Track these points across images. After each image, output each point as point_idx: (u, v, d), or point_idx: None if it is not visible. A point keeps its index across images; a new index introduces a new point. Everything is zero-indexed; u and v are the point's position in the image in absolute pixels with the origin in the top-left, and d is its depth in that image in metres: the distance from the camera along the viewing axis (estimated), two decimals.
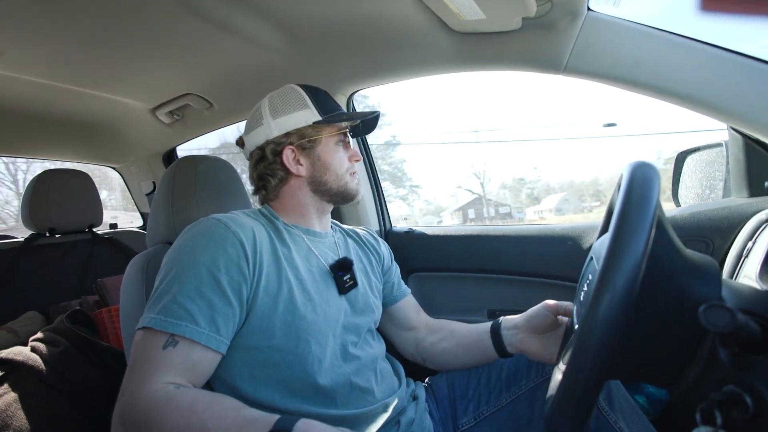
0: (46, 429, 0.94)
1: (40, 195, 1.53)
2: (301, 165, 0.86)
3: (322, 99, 0.88)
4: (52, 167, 1.63)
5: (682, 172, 1.22)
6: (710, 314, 0.40)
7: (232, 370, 0.71)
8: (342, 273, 0.86)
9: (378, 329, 1.01)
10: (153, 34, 1.04)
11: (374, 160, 1.47)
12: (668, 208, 1.14)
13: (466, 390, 0.94)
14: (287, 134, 0.85)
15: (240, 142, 0.94)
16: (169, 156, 1.93)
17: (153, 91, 1.41)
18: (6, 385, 0.98)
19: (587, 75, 0.92)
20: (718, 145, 1.09)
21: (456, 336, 0.98)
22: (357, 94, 1.36)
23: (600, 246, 0.79)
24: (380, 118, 0.97)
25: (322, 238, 0.90)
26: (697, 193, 1.17)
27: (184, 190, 0.98)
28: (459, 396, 0.94)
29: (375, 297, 0.95)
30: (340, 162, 0.88)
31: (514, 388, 0.90)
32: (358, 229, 1.06)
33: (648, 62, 0.85)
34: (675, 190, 1.22)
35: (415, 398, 0.91)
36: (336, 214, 1.45)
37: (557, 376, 0.62)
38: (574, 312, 0.64)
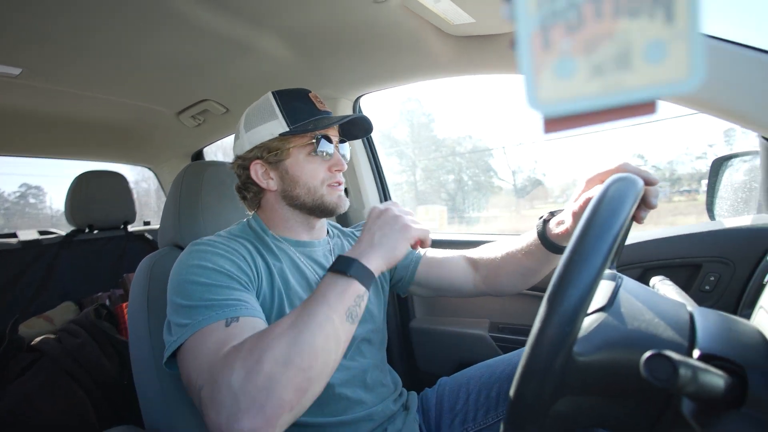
0: (64, 416, 1.03)
1: (80, 194, 1.67)
2: (272, 179, 0.82)
3: (295, 106, 0.81)
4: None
5: (719, 181, 1.10)
6: (653, 366, 0.35)
7: None
8: None
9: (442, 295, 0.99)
10: (171, 47, 1.10)
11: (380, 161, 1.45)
12: (702, 220, 1.03)
13: (454, 404, 0.92)
14: (255, 148, 0.82)
15: None
16: (197, 157, 2.04)
17: (175, 98, 1.48)
18: (31, 372, 1.08)
19: None
20: (757, 153, 0.96)
21: (514, 266, 0.88)
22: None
23: None
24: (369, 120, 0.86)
25: (313, 247, 0.87)
26: (731, 205, 1.04)
27: (190, 196, 1.02)
28: (446, 409, 0.92)
29: (373, 304, 0.90)
30: (312, 174, 0.81)
31: (502, 408, 0.86)
32: (357, 230, 1.02)
33: None
34: (710, 202, 1.10)
35: (406, 408, 0.90)
36: (343, 218, 1.45)
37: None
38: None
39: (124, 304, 1.35)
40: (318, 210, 0.83)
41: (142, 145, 1.96)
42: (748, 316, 0.51)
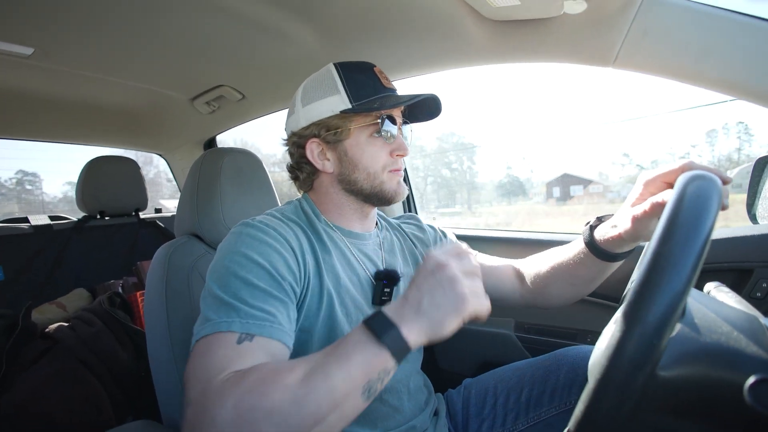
0: (78, 405, 1.01)
1: (91, 179, 1.64)
2: (328, 160, 0.77)
3: (359, 80, 0.74)
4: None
5: (763, 182, 1.03)
6: (760, 391, 0.31)
7: None
8: (387, 282, 0.77)
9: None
10: (187, 29, 1.06)
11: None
12: (744, 225, 0.98)
13: (481, 408, 0.89)
14: (312, 125, 0.75)
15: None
16: (210, 144, 1.99)
17: (189, 83, 1.44)
18: (45, 360, 1.06)
19: (642, 68, 0.78)
20: None
21: (563, 276, 0.83)
22: None
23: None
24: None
25: (365, 240, 0.82)
26: None
27: (208, 184, 0.99)
28: (474, 414, 0.90)
29: None
30: (373, 158, 0.75)
31: (533, 413, 0.84)
32: (403, 223, 0.97)
33: (719, 52, 0.70)
34: (751, 204, 1.04)
35: (435, 413, 0.87)
36: None
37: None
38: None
39: (139, 293, 1.33)
40: (375, 197, 0.77)
41: (154, 131, 1.92)
42: None
